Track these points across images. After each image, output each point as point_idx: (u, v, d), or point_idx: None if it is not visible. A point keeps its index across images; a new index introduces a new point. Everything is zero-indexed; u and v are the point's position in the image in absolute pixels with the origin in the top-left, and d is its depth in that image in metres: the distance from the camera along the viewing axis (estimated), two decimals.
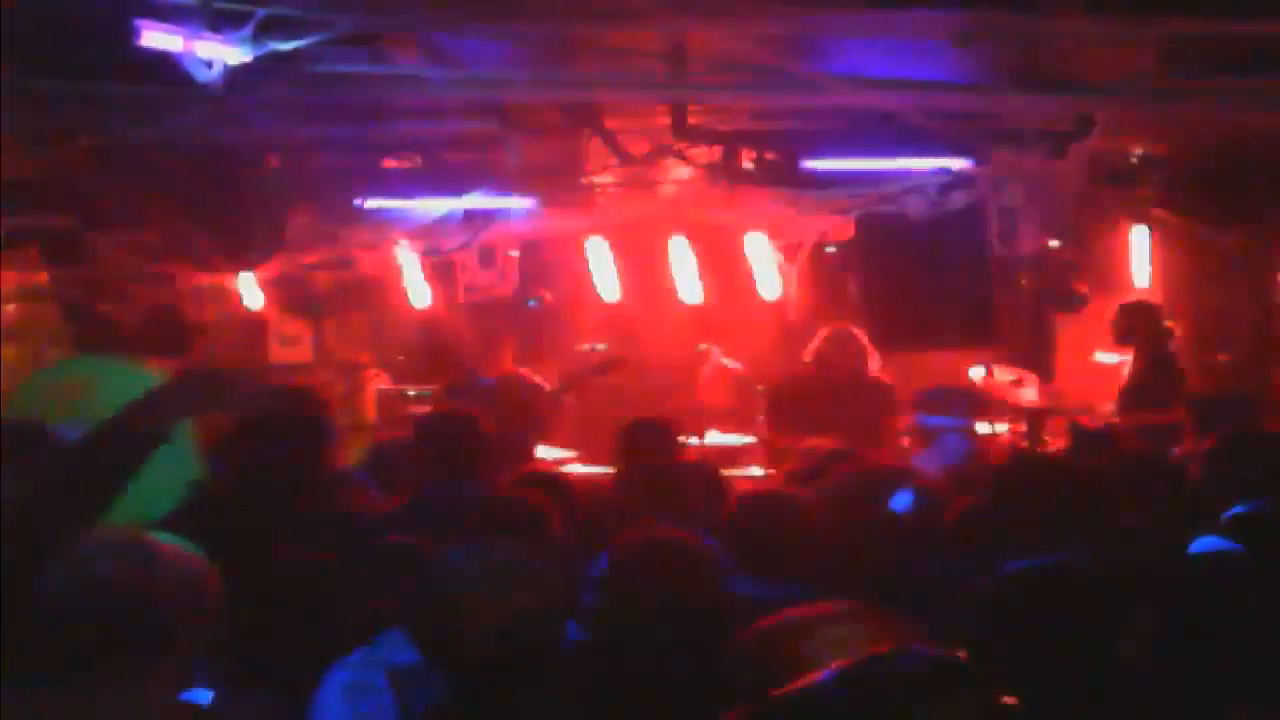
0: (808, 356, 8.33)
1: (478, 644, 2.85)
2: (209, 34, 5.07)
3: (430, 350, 10.59)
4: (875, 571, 4.09)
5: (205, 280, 9.71)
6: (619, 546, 3.51)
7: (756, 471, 8.19)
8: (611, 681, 3.16)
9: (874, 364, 8.37)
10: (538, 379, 8.78)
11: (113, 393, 4.99)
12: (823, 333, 8.34)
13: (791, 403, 8.22)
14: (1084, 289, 9.36)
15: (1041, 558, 3.60)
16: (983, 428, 8.58)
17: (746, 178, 7.73)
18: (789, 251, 10.63)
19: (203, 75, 5.16)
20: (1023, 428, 8.49)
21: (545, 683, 2.89)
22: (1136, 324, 8.67)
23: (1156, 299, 9.21)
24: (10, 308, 9.72)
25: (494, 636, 2.84)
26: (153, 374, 6.41)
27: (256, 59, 5.18)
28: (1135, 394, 8.53)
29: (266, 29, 5.13)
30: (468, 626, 2.86)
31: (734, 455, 8.63)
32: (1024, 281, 9.50)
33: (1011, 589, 3.56)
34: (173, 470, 4.72)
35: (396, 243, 9.94)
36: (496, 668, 2.84)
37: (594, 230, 10.53)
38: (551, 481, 5.12)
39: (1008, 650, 2.99)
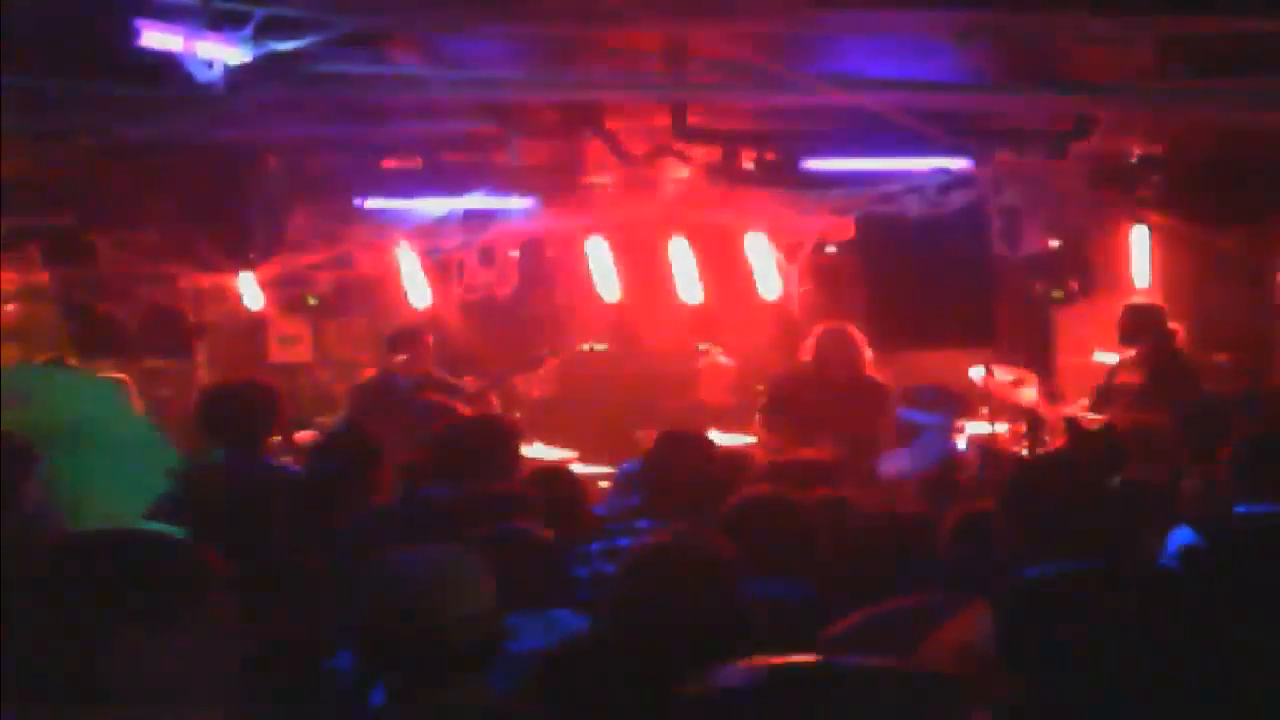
0: (804, 356, 8.33)
1: (412, 647, 2.85)
2: (209, 34, 5.07)
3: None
4: (873, 572, 4.09)
5: (205, 280, 9.71)
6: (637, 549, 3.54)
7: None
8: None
9: (869, 363, 8.37)
10: (455, 379, 8.73)
11: (56, 399, 5.02)
12: (817, 332, 8.33)
13: (788, 402, 8.22)
14: (1074, 284, 9.37)
15: (1059, 565, 3.62)
16: (982, 427, 8.59)
17: (746, 178, 7.72)
18: (789, 251, 10.64)
19: (203, 75, 5.16)
20: (1023, 428, 8.47)
21: (483, 685, 2.89)
22: (1143, 325, 8.66)
23: (1156, 299, 9.21)
24: (10, 308, 9.73)
25: (428, 639, 2.84)
26: (94, 378, 6.49)
27: (256, 59, 5.18)
28: (1141, 395, 8.52)
29: (266, 29, 5.13)
30: (402, 630, 2.86)
31: None
32: (1024, 281, 9.51)
33: (1029, 595, 3.58)
34: (151, 461, 4.78)
35: (396, 243, 9.94)
36: (430, 669, 2.85)
37: (594, 230, 10.53)
38: (556, 478, 5.16)
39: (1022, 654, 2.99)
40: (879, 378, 8.29)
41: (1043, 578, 3.64)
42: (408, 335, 8.83)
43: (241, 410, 5.58)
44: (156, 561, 2.45)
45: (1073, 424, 6.82)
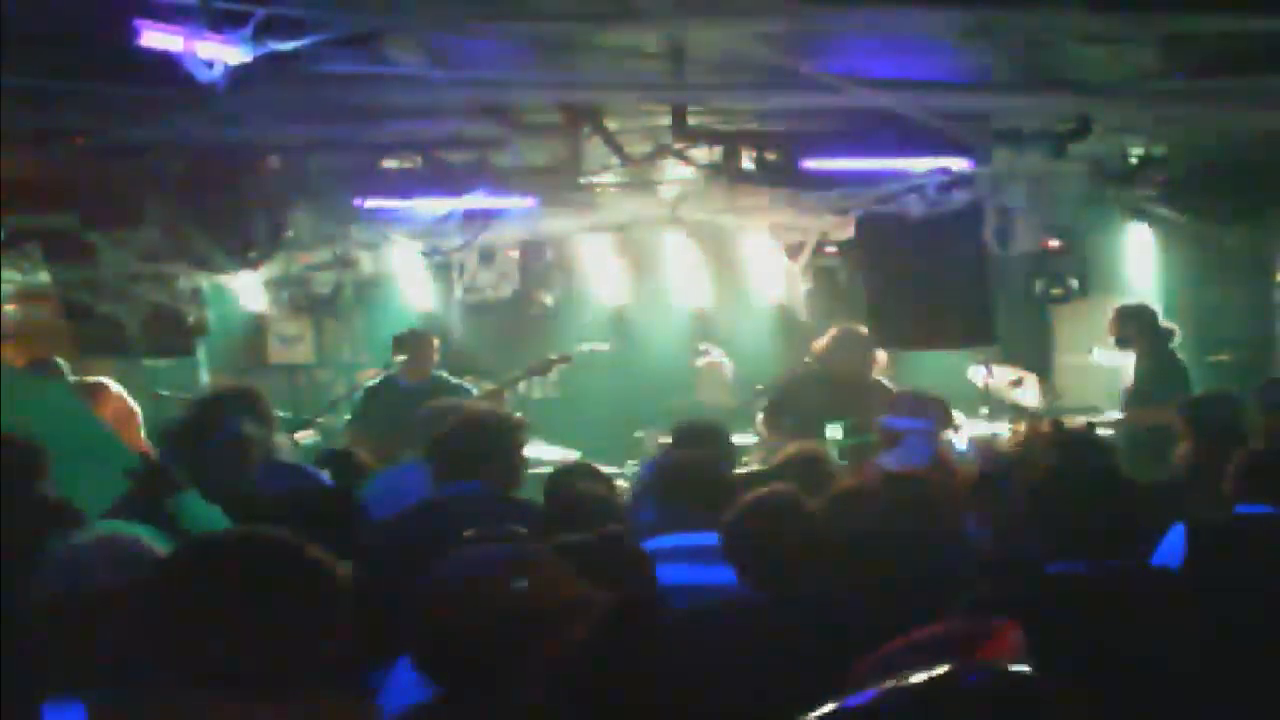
0: (814, 355, 8.33)
1: (467, 644, 2.84)
2: (209, 34, 5.06)
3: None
4: (878, 573, 4.08)
5: (205, 280, 9.70)
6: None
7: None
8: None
9: (879, 365, 8.38)
10: (461, 382, 8.73)
11: (14, 405, 4.99)
12: (831, 332, 8.33)
13: (790, 402, 8.22)
14: (1074, 282, 9.38)
15: (1079, 563, 3.63)
16: (981, 428, 8.59)
17: (746, 178, 7.72)
18: (789, 251, 10.64)
19: (203, 75, 5.16)
20: (1022, 427, 8.48)
21: (535, 684, 2.88)
22: (1132, 326, 8.67)
23: (1156, 299, 9.21)
24: (10, 308, 9.72)
25: (486, 637, 2.83)
26: (54, 386, 6.46)
27: (256, 59, 5.18)
28: (1138, 394, 8.53)
29: (266, 29, 5.12)
30: (461, 625, 2.85)
31: None
32: (1024, 281, 9.52)
33: (1049, 592, 3.58)
34: (108, 463, 4.77)
35: (396, 243, 9.94)
36: (485, 668, 2.84)
37: (594, 230, 10.53)
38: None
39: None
40: (883, 379, 8.30)
41: (1072, 574, 3.65)
42: (412, 337, 8.84)
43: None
44: (277, 563, 2.55)
45: (1059, 426, 6.82)
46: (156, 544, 3.27)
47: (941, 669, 2.00)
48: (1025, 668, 2.14)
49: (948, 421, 6.80)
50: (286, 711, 2.50)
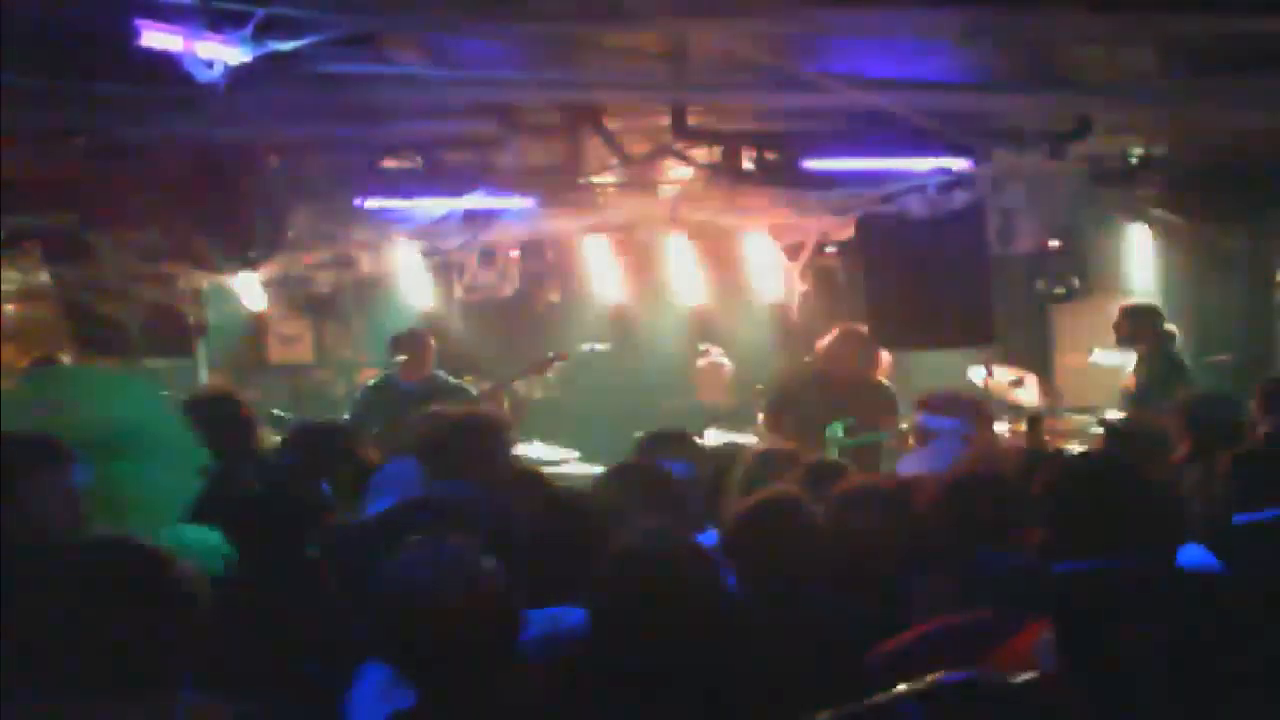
0: (816, 354, 8.33)
1: (433, 645, 2.85)
2: (209, 34, 5.06)
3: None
4: (881, 573, 4.07)
5: (205, 280, 9.70)
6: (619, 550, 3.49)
7: None
8: (612, 682, 3.16)
9: (883, 366, 8.37)
10: (460, 382, 8.72)
11: (102, 400, 4.99)
12: (834, 332, 8.33)
13: (790, 402, 8.22)
14: (1075, 281, 9.38)
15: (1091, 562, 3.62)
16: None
17: (746, 178, 7.72)
18: (789, 251, 10.64)
19: (203, 75, 5.16)
20: (1022, 427, 8.48)
21: (510, 683, 2.89)
22: (1139, 326, 8.66)
23: (1156, 299, 9.21)
24: (10, 308, 9.73)
25: (448, 637, 2.84)
26: (132, 377, 6.43)
27: (256, 59, 5.18)
28: (1139, 395, 8.52)
29: (266, 29, 5.12)
30: (422, 628, 2.87)
31: None
32: (1024, 281, 9.52)
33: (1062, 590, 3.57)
34: (182, 463, 4.77)
35: (396, 243, 9.94)
36: (456, 669, 2.84)
37: (594, 230, 10.54)
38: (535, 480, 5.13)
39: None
40: (884, 380, 8.30)
41: (1074, 574, 3.64)
42: (410, 337, 8.84)
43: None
44: (122, 568, 2.58)
45: (1107, 424, 6.80)
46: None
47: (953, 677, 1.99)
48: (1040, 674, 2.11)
49: (983, 420, 6.74)
50: (126, 712, 2.52)
